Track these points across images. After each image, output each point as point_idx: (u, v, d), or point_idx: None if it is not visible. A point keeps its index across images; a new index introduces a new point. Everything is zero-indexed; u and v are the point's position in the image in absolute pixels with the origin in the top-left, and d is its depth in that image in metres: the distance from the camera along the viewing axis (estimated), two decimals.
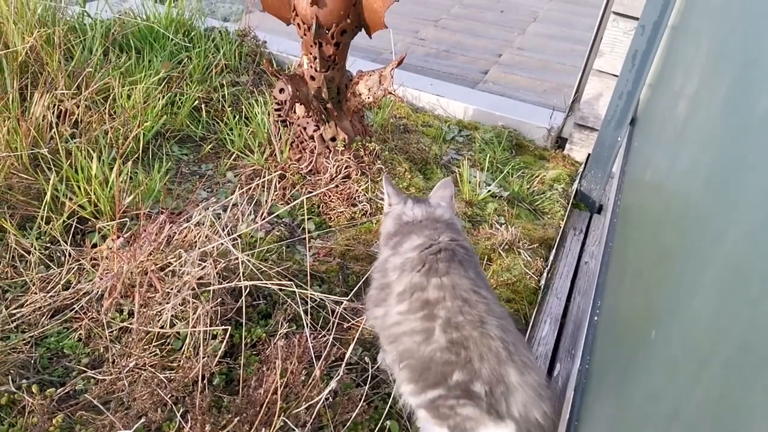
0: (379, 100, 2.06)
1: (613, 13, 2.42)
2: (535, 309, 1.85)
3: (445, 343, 1.14)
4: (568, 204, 2.37)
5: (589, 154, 2.60)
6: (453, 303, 1.17)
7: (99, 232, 1.71)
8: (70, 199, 1.72)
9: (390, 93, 2.04)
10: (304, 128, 2.13)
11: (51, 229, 1.65)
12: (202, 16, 2.90)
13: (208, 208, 1.70)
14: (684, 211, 1.02)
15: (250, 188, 1.99)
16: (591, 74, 2.56)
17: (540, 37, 4.16)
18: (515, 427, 1.11)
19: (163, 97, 2.24)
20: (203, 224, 1.62)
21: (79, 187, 1.74)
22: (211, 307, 1.45)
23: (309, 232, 1.95)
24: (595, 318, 1.45)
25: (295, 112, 2.13)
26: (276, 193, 2.04)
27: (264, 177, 2.10)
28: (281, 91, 2.13)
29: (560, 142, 2.76)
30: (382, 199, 1.69)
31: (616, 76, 2.43)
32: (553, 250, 2.10)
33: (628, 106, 2.27)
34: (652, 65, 2.24)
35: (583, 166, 2.58)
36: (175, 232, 1.53)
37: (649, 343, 0.89)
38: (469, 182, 2.30)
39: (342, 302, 1.47)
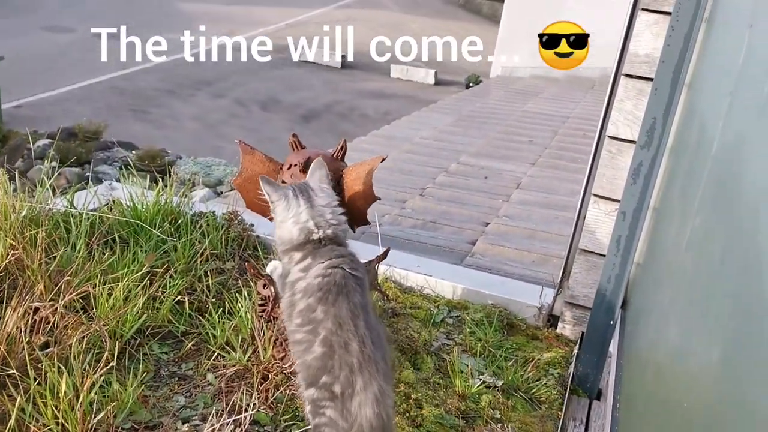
0: None
1: (593, 195, 2.47)
2: None
3: (319, 353, 1.49)
4: (565, 391, 2.27)
5: (582, 333, 2.54)
6: (331, 324, 1.50)
7: None
8: (37, 421, 1.61)
9: (376, 289, 2.01)
10: None
11: None
12: (189, 201, 2.94)
13: (185, 422, 1.60)
14: (703, 407, 0.95)
15: (230, 394, 1.89)
16: (577, 253, 2.56)
17: (524, 205, 4.25)
18: None
19: (146, 293, 2.19)
20: None
21: (45, 405, 1.64)
22: None
23: None
24: None
25: (279, 307, 2.07)
26: (258, 396, 1.94)
27: (246, 379, 2.00)
28: (264, 286, 2.10)
29: (552, 320, 2.71)
30: None
31: (603, 255, 2.42)
32: None
33: (618, 290, 2.24)
34: (638, 246, 2.25)
35: (577, 347, 2.51)
36: None
37: None
38: (462, 372, 2.21)
39: None
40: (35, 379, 1.71)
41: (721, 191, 1.09)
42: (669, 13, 2.06)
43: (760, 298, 0.75)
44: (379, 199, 1.98)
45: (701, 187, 1.36)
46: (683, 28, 2.00)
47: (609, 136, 2.40)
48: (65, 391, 1.64)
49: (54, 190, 2.75)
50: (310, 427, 1.55)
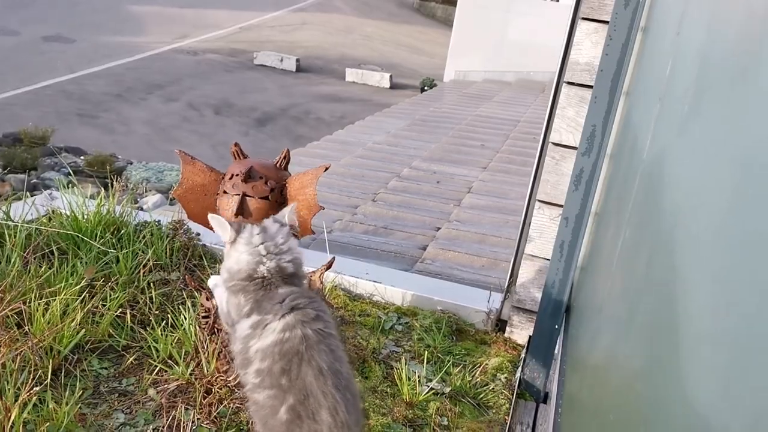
0: None
1: (538, 201, 2.50)
2: None
3: (285, 419, 1.39)
4: (512, 395, 2.29)
5: (530, 337, 2.57)
6: (297, 395, 1.40)
7: None
8: None
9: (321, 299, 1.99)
10: None
11: None
12: (133, 211, 2.87)
13: None
14: (636, 404, 0.96)
15: (172, 410, 1.85)
16: (524, 258, 2.59)
17: (475, 210, 4.28)
18: None
19: (85, 307, 2.13)
20: None
21: None
22: None
23: None
24: None
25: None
26: (201, 411, 1.90)
27: (189, 393, 1.97)
28: (208, 298, 2.06)
29: (500, 324, 2.73)
30: None
31: (548, 260, 2.46)
32: None
33: (562, 295, 2.27)
34: (581, 251, 2.28)
35: (524, 351, 2.54)
36: None
37: None
38: (409, 379, 2.21)
39: None
40: None
41: (647, 204, 1.12)
42: (607, 22, 2.10)
43: (673, 317, 0.76)
44: (323, 208, 1.97)
45: (632, 197, 1.38)
46: (620, 37, 2.05)
47: (552, 143, 2.43)
48: None
49: None
50: None
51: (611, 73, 2.08)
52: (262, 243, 1.55)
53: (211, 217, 1.62)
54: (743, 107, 0.76)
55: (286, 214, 1.67)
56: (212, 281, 1.88)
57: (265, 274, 1.54)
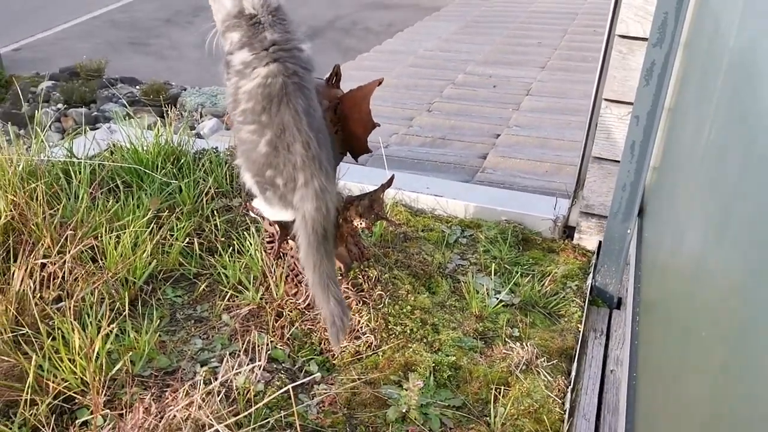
0: (372, 225, 1.98)
1: (604, 99, 2.35)
2: None
3: (264, 152, 1.63)
4: (584, 303, 2.24)
5: (600, 242, 2.49)
6: (275, 129, 1.61)
7: (88, 409, 1.61)
8: (55, 377, 1.63)
9: (383, 218, 1.96)
10: (298, 260, 2.04)
11: (35, 414, 1.55)
12: (190, 140, 2.87)
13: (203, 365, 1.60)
14: (732, 322, 0.91)
15: (246, 334, 1.89)
16: (591, 161, 2.48)
17: (535, 113, 4.11)
18: (293, 213, 1.69)
19: (154, 238, 2.17)
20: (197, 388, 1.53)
21: (61, 360, 1.65)
22: None
23: (311, 375, 1.83)
24: None
25: (287, 242, 2.05)
26: (274, 333, 1.94)
27: (261, 317, 2.00)
28: (270, 223, 2.06)
29: (568, 231, 2.66)
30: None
31: (617, 161, 2.34)
32: (575, 363, 1.96)
33: (634, 198, 2.17)
34: (653, 150, 2.16)
35: (595, 257, 2.47)
36: (165, 411, 1.42)
37: None
38: (477, 292, 2.19)
39: None
40: (49, 335, 1.72)
41: (738, 99, 1.00)
42: None
43: None
44: (378, 125, 1.90)
45: (717, 90, 1.26)
46: None
47: (619, 35, 2.26)
48: (80, 345, 1.65)
49: (64, 133, 2.69)
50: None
51: None
52: None
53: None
54: None
55: None
56: (256, 202, 1.88)
57: (252, 11, 1.67)
